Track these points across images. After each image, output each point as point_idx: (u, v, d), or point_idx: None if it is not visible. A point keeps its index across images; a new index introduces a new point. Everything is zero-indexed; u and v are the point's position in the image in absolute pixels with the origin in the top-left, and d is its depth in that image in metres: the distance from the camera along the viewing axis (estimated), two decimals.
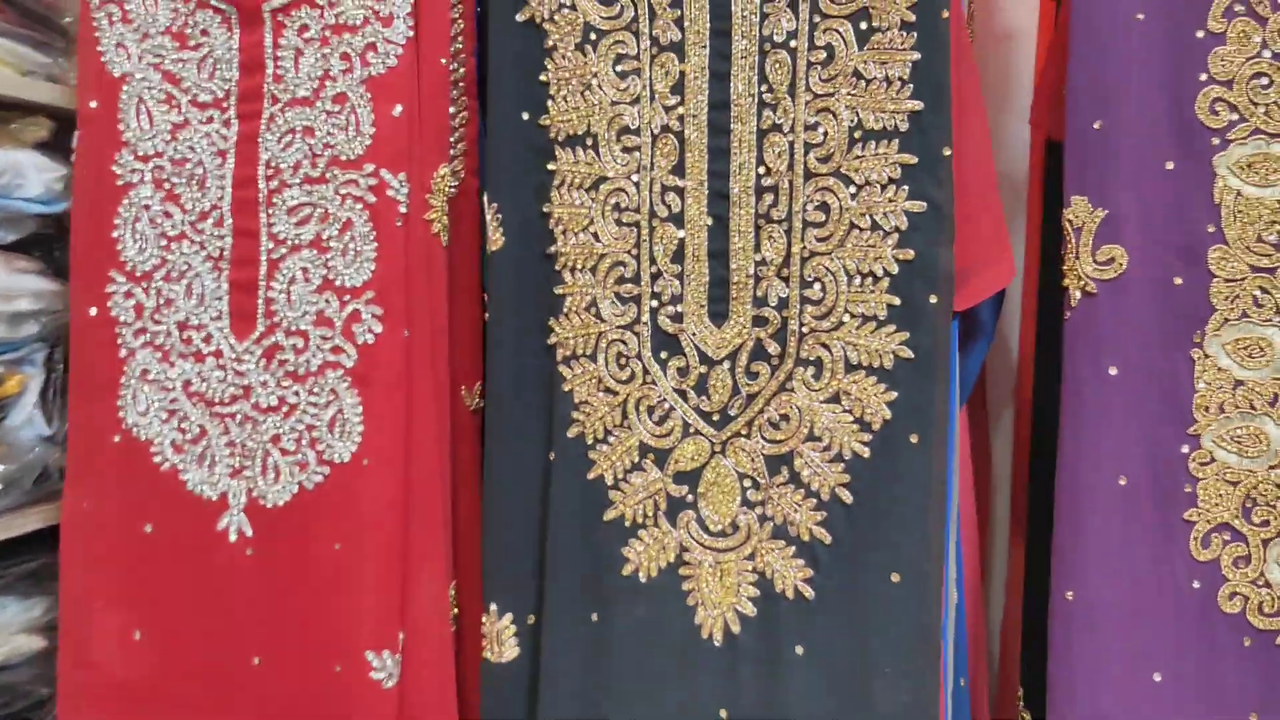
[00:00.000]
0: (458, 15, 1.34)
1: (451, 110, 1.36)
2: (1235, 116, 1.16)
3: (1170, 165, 1.13)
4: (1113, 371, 1.11)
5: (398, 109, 1.29)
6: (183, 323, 1.38)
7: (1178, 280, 1.13)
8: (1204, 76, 1.17)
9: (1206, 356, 1.16)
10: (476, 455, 1.42)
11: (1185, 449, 1.13)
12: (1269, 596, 1.14)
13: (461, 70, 1.35)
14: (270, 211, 1.36)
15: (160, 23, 1.35)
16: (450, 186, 1.33)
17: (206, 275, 1.38)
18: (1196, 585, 1.13)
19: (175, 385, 1.37)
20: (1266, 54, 1.12)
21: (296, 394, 1.35)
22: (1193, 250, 1.17)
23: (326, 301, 1.34)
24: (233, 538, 1.34)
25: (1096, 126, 1.13)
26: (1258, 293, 1.12)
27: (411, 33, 1.26)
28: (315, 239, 1.34)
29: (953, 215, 1.12)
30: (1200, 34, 1.16)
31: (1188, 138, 1.17)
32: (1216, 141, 1.17)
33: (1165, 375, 1.13)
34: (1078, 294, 1.14)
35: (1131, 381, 1.12)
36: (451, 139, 1.37)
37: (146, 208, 1.37)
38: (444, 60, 1.30)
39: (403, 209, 1.31)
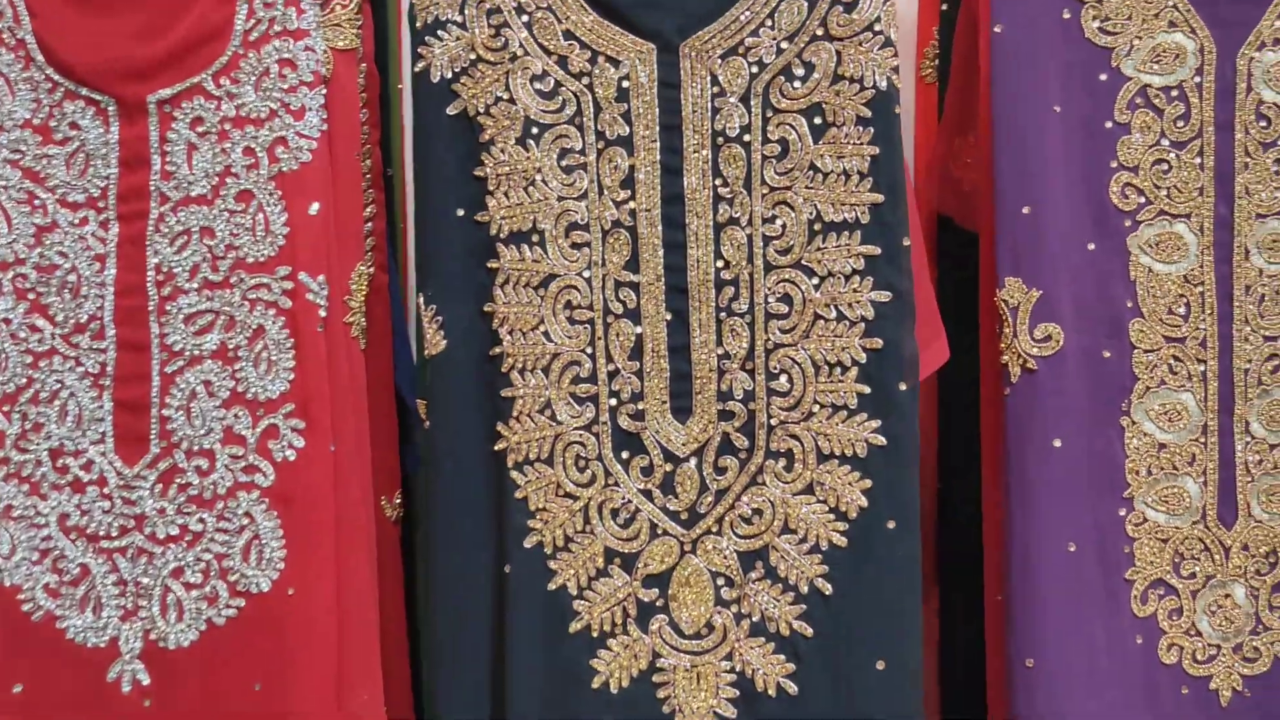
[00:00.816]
0: (364, 104, 1.25)
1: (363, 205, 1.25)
2: (1143, 199, 1.25)
3: (1092, 246, 1.20)
4: (1057, 444, 1.16)
5: (314, 207, 1.22)
6: (56, 449, 1.23)
7: (1106, 353, 1.20)
8: (1115, 163, 1.25)
9: (1134, 423, 1.23)
10: (399, 569, 1.31)
11: (1122, 511, 1.20)
12: (1200, 645, 1.23)
13: (369, 162, 1.26)
14: (163, 321, 1.24)
15: (18, 115, 1.22)
16: (365, 286, 1.23)
17: (84, 394, 1.24)
18: (1139, 640, 1.20)
19: (48, 521, 1.22)
20: (1165, 142, 1.21)
21: (202, 521, 1.22)
22: (1117, 324, 1.24)
23: (236, 417, 1.22)
24: (126, 688, 1.21)
25: (1025, 211, 1.18)
26: (1172, 361, 1.18)
27: (325, 125, 1.19)
28: (220, 349, 1.23)
29: (914, 302, 1.15)
30: (1109, 124, 1.25)
31: (1104, 220, 1.24)
32: (1129, 223, 1.25)
33: (1101, 443, 1.20)
34: (1018, 370, 1.18)
35: (1074, 452, 1.18)
36: (364, 234, 1.26)
37: (7, 321, 1.23)
38: (357, 154, 1.21)
39: (323, 313, 1.22)
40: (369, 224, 1.28)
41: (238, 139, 1.19)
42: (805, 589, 1.14)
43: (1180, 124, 1.21)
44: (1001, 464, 1.25)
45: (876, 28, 1.13)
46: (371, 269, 1.28)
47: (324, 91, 1.19)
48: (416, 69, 1.20)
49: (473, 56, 1.19)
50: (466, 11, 1.19)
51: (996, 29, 1.20)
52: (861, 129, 1.14)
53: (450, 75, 1.19)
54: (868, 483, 1.14)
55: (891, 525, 1.13)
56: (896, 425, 1.13)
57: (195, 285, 1.23)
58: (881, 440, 1.14)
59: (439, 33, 1.19)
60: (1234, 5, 1.20)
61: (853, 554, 1.14)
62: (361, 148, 1.26)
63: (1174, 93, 1.24)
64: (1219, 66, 1.19)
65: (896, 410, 1.14)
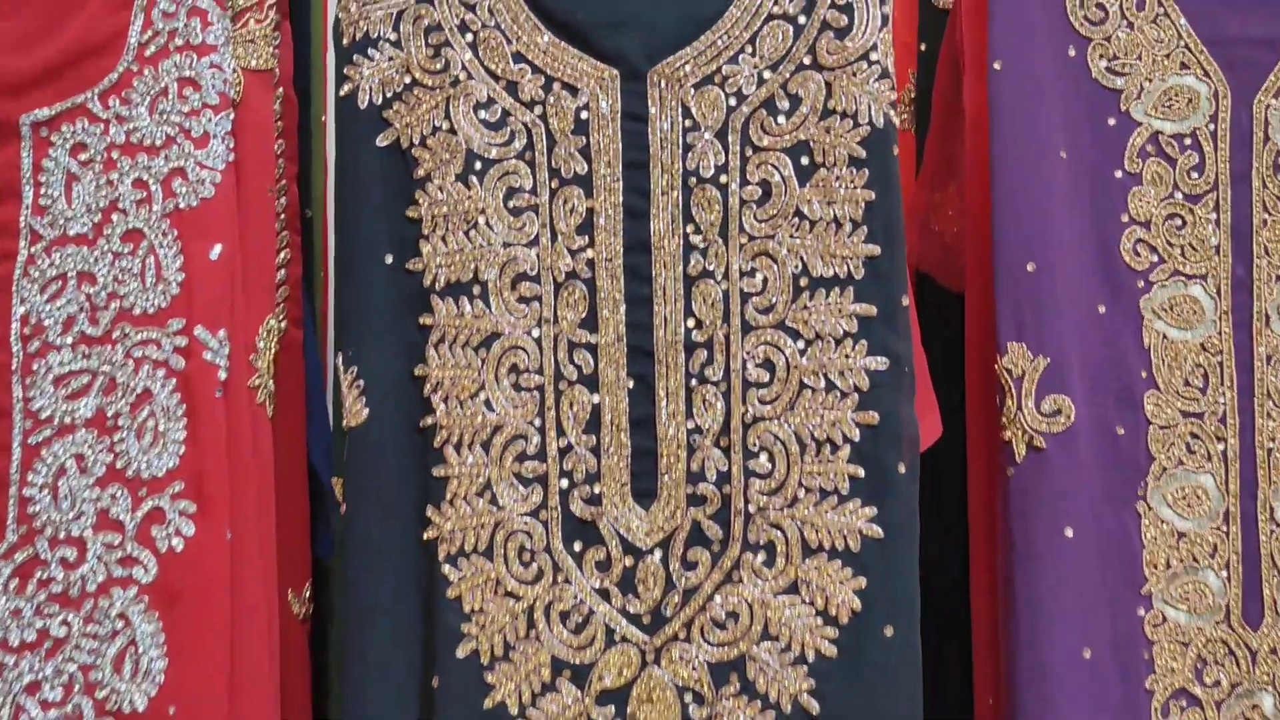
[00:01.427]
0: (279, 133, 1.08)
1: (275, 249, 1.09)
2: (1155, 258, 1.15)
3: (1102, 308, 1.10)
4: (1069, 533, 1.03)
5: (216, 250, 1.07)
6: None
7: (1119, 429, 1.09)
8: (1125, 217, 1.16)
9: (1150, 509, 1.14)
10: (306, 678, 1.12)
11: (1141, 610, 1.09)
12: None
13: (284, 200, 1.09)
14: (29, 382, 1.07)
15: None
16: (275, 343, 1.04)
17: None
18: None
19: None
20: (1178, 195, 1.12)
21: (65, 624, 1.05)
22: (1130, 397, 1.14)
23: (113, 498, 1.06)
24: None
25: (1030, 268, 1.06)
26: (1189, 439, 1.05)
27: (231, 156, 1.05)
28: (96, 416, 1.07)
29: (914, 372, 1.04)
30: (1119, 174, 1.15)
31: (1116, 280, 1.15)
32: (1141, 284, 1.15)
33: (1117, 532, 1.07)
34: (1023, 449, 1.05)
35: (1087, 542, 1.06)
36: (275, 282, 1.09)
37: None
38: (270, 189, 1.04)
39: (222, 375, 1.07)
40: (282, 271, 1.15)
41: (127, 169, 1.03)
42: (789, 707, 1.00)
43: (1194, 175, 1.12)
44: (1002, 556, 1.13)
45: (873, 57, 1.03)
46: (283, 323, 1.12)
47: (231, 116, 1.04)
48: (341, 92, 1.06)
49: (408, 80, 1.06)
50: (402, 28, 1.06)
51: (995, 66, 1.09)
52: (855, 171, 1.03)
53: (381, 101, 1.06)
54: (861, 581, 1.02)
55: (889, 632, 1.01)
56: (895, 513, 1.01)
57: (69, 340, 1.07)
58: (878, 531, 1.02)
59: (369, 51, 1.06)
60: (1249, 47, 1.11)
61: (844, 665, 1.01)
62: (275, 183, 1.11)
63: (1187, 141, 1.16)
64: (1234, 113, 1.11)
65: (895, 496, 1.02)
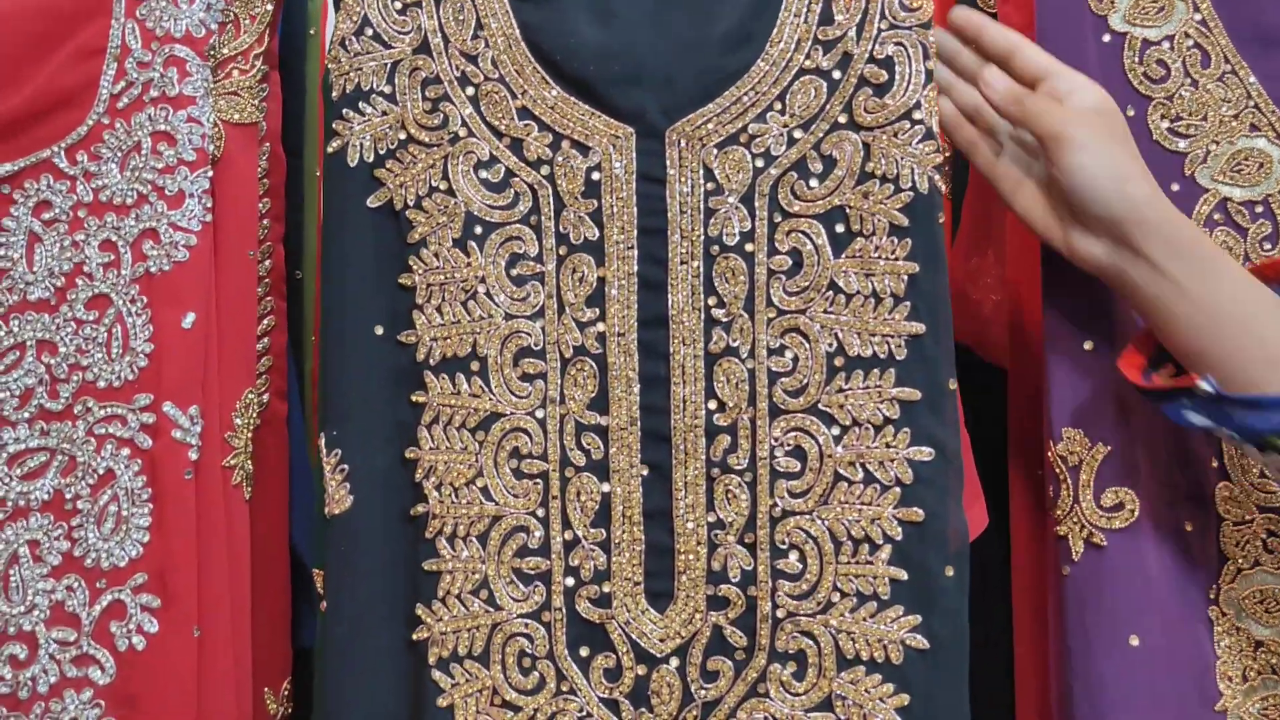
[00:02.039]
0: (264, 191, 0.98)
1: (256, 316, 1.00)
2: None
3: None
4: (1134, 642, 0.92)
5: (189, 318, 1.01)
6: None
7: (1188, 526, 0.93)
8: None
9: (1224, 615, 1.04)
10: None
11: None
12: None
13: (269, 262, 0.99)
14: None
15: None
16: (255, 418, 0.94)
17: None
18: None
19: None
20: (1247, 265, 0.98)
21: None
22: (1199, 490, 1.04)
23: (69, 590, 0.98)
24: None
25: (1088, 347, 0.93)
26: (1266, 537, 0.92)
27: (209, 216, 0.97)
28: (54, 499, 0.99)
29: (962, 464, 0.96)
30: None
31: None
32: None
33: (1187, 640, 0.95)
34: (1079, 546, 0.96)
35: (1155, 651, 0.91)
36: (256, 352, 1.00)
37: None
38: (251, 252, 0.94)
39: (193, 455, 1.00)
40: (264, 339, 1.04)
41: (94, 230, 0.95)
42: None
43: (1267, 246, 1.08)
44: (1056, 667, 1.04)
45: (916, 115, 0.96)
46: (265, 396, 1.03)
47: (210, 174, 0.95)
48: (330, 148, 0.99)
49: (402, 136, 0.99)
50: (397, 81, 0.99)
51: None
52: (896, 240, 0.96)
53: (373, 158, 0.99)
54: (904, 698, 0.93)
55: None
56: (942, 623, 0.93)
57: (26, 415, 1.00)
58: (923, 642, 0.94)
59: (360, 105, 0.99)
60: None
61: None
62: (259, 246, 0.99)
63: (1258, 208, 1.06)
64: None
65: (942, 602, 0.93)
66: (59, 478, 0.99)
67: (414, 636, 0.97)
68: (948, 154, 1.37)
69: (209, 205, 1.01)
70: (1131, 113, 1.08)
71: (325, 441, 0.99)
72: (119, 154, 1.00)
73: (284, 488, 1.12)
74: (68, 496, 0.99)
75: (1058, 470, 1.04)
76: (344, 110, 0.99)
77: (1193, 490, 1.04)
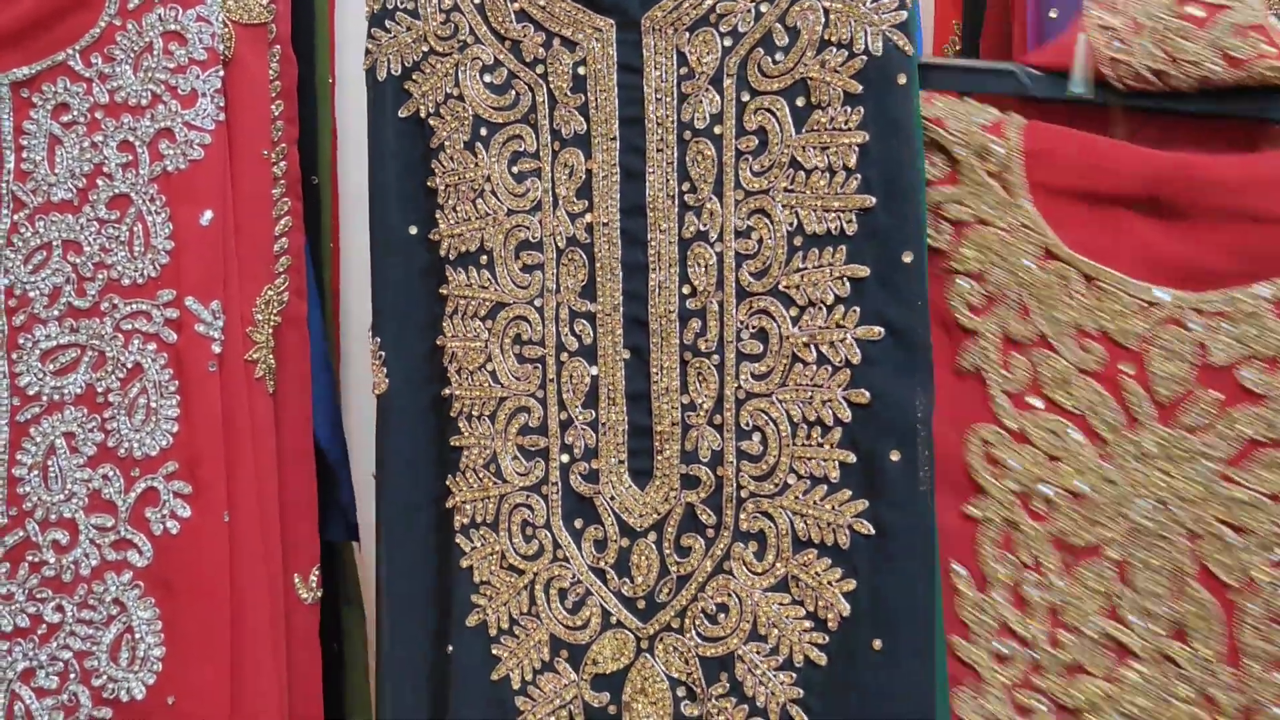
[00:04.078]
0: (276, 93, 0.98)
1: (273, 215, 1.01)
2: None
3: None
4: None
5: (206, 216, 1.05)
6: None
7: None
8: None
9: None
10: (316, 665, 1.07)
11: None
12: None
13: (284, 164, 1.02)
14: (15, 357, 1.05)
15: None
16: (275, 315, 0.96)
17: None
18: None
19: None
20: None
21: (60, 609, 1.03)
22: None
23: (105, 478, 1.04)
24: None
25: None
26: None
27: (222, 115, 1.00)
28: (86, 393, 1.05)
29: (923, 342, 0.96)
30: None
31: None
32: None
33: None
34: None
35: None
36: (274, 251, 1.01)
37: None
38: (265, 152, 0.96)
39: (216, 349, 1.05)
40: (283, 239, 1.08)
41: (112, 131, 0.99)
42: (776, 715, 0.97)
43: None
44: None
45: None
46: (285, 294, 1.08)
47: (221, 74, 0.97)
48: (365, 66, 1.09)
49: (424, 49, 1.05)
50: None
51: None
52: (849, 110, 0.95)
53: (399, 71, 1.06)
54: (851, 584, 0.96)
55: (877, 645, 0.95)
56: (887, 509, 0.95)
57: (56, 313, 1.05)
58: (868, 528, 0.95)
59: (386, 23, 1.06)
60: None
61: (831, 675, 0.96)
62: (273, 147, 1.02)
63: None
64: None
65: (888, 489, 0.95)
66: (90, 372, 1.05)
67: (447, 505, 1.09)
68: (957, 45, 1.36)
69: (222, 105, 1.06)
70: None
71: (370, 331, 1.10)
72: (131, 55, 1.04)
73: (306, 384, 1.20)
74: (99, 390, 1.06)
75: None
76: (373, 29, 1.08)
77: None
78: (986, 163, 0.98)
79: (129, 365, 1.04)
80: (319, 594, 1.19)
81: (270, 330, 1.10)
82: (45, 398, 1.05)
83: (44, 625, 1.03)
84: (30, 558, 1.04)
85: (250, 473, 1.06)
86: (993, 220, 0.98)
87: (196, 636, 1.02)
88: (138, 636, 1.02)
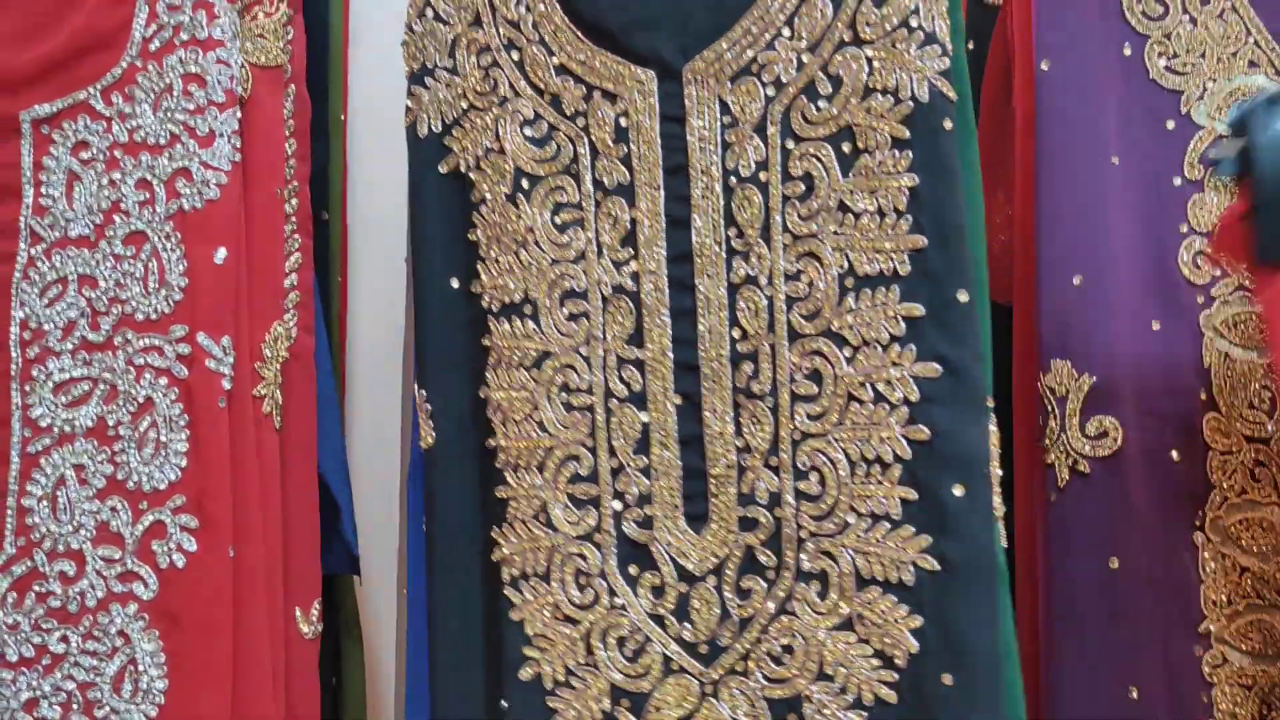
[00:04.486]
0: (290, 132, 1.02)
1: (284, 253, 1.09)
2: (1218, 271, 1.14)
3: (1157, 325, 1.05)
4: (1114, 564, 0.97)
5: (220, 254, 1.08)
6: None
7: (1174, 455, 0.97)
8: (1185, 227, 1.15)
9: (1209, 541, 1.14)
10: (315, 697, 1.11)
11: (1198, 650, 0.99)
12: None
13: (295, 201, 1.05)
14: (28, 389, 1.07)
15: None
16: (283, 351, 0.98)
17: None
18: None
19: None
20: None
21: (64, 640, 1.05)
22: (1188, 420, 1.13)
23: (113, 511, 1.06)
24: None
25: (1076, 282, 1.08)
26: (1255, 466, 0.95)
27: (238, 156, 1.04)
28: (97, 426, 1.06)
29: (980, 377, 0.98)
30: (1178, 181, 1.15)
31: (1172, 295, 1.14)
32: (1201, 299, 1.14)
33: (1171, 565, 1.03)
34: (1065, 473, 1.00)
35: (1135, 574, 0.98)
36: (284, 287, 1.08)
37: None
38: (279, 191, 1.00)
39: (226, 384, 1.08)
40: (292, 276, 1.12)
41: (130, 169, 1.03)
42: None
43: None
44: (1043, 588, 1.13)
45: (913, 22, 0.98)
46: (293, 330, 1.12)
47: (238, 114, 1.02)
48: (406, 123, 1.12)
49: (464, 105, 1.10)
50: (457, 55, 1.10)
51: (1043, 66, 1.06)
52: (898, 154, 0.98)
53: (440, 128, 1.11)
54: (918, 620, 0.97)
55: (948, 680, 0.95)
56: (954, 545, 0.96)
57: (70, 346, 1.07)
58: (933, 564, 0.97)
59: (426, 81, 1.10)
60: None
61: (903, 714, 0.97)
62: (286, 185, 1.04)
63: None
64: None
65: (951, 523, 0.96)
66: (101, 405, 1.08)
67: (494, 557, 1.10)
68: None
69: (238, 145, 1.09)
70: (1128, 51, 1.13)
71: (416, 384, 1.12)
72: (152, 95, 1.08)
73: (312, 419, 1.23)
74: (110, 423, 1.09)
75: (1046, 400, 1.09)
76: (413, 87, 1.11)
77: (1181, 421, 1.09)
78: None
79: (140, 399, 1.06)
80: (319, 628, 1.21)
81: (278, 366, 1.12)
82: (57, 430, 1.06)
83: (49, 655, 1.05)
84: (37, 588, 1.05)
85: (256, 508, 1.09)
86: None
87: (199, 669, 1.04)
88: (141, 668, 1.04)
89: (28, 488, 1.06)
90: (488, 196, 1.07)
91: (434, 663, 1.09)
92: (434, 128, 1.09)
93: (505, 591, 1.07)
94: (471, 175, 1.08)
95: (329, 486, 1.23)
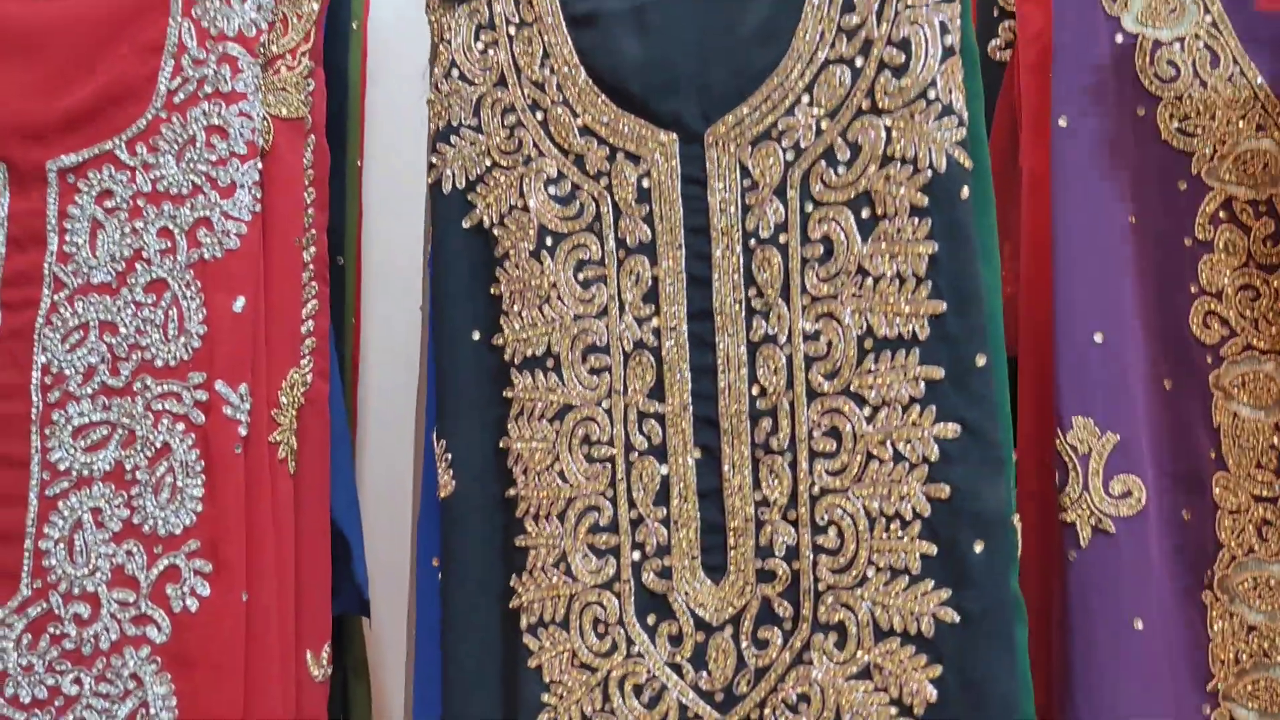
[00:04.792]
0: (309, 181, 1.04)
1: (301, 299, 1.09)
2: (1227, 331, 1.16)
3: (1168, 384, 1.05)
4: (1139, 625, 0.97)
5: (239, 302, 1.11)
6: None
7: (1186, 514, 0.99)
8: (1195, 287, 1.16)
9: (1218, 600, 1.14)
10: None
11: (1206, 709, 1.05)
12: None
13: (313, 249, 1.06)
14: (48, 432, 1.08)
15: None
16: (299, 397, 0.99)
17: None
18: None
19: None
20: (1252, 265, 1.19)
21: (77, 682, 1.06)
22: (1198, 478, 1.14)
23: (128, 554, 1.07)
24: None
25: (1098, 339, 1.04)
26: (1262, 525, 0.97)
27: (258, 206, 1.05)
28: (115, 470, 1.08)
29: (1000, 440, 1.00)
30: (1189, 241, 1.16)
31: (1184, 354, 1.15)
32: (1210, 359, 1.15)
33: (1183, 624, 1.06)
34: (1088, 532, 1.00)
35: (1155, 634, 1.03)
36: (300, 333, 1.10)
37: None
38: (297, 240, 1.02)
39: (242, 431, 1.10)
40: (308, 322, 1.13)
41: (153, 218, 1.05)
42: None
43: (1269, 244, 1.21)
44: (1059, 647, 1.12)
45: (931, 94, 1.01)
46: (308, 376, 1.12)
47: (259, 166, 1.04)
48: (430, 180, 1.16)
49: (488, 163, 1.14)
50: (482, 114, 1.14)
51: (1061, 123, 1.09)
52: (917, 221, 1.00)
53: (464, 184, 1.14)
54: (937, 669, 0.98)
55: None
56: (973, 597, 0.98)
57: (89, 391, 1.09)
58: (953, 615, 0.98)
59: (451, 139, 1.15)
60: None
61: None
62: (304, 233, 1.04)
63: (1262, 208, 1.15)
64: None
65: (971, 577, 0.98)
66: (119, 450, 1.09)
67: (511, 605, 1.13)
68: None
69: (258, 196, 1.11)
70: (1142, 112, 1.14)
71: (435, 434, 1.15)
72: (175, 146, 1.09)
73: (326, 463, 1.24)
74: (127, 467, 1.10)
75: (1066, 458, 1.10)
76: (438, 145, 1.15)
77: (1192, 480, 1.09)
78: None
79: (158, 444, 1.08)
80: (329, 670, 1.22)
81: (294, 412, 1.15)
82: (75, 473, 1.08)
83: (61, 697, 1.06)
84: (52, 630, 1.07)
85: (270, 553, 1.11)
86: None
87: (210, 713, 1.06)
88: (152, 712, 1.05)
89: (45, 530, 1.07)
90: (511, 252, 1.12)
91: (449, 708, 1.11)
92: (458, 184, 1.13)
93: (523, 639, 1.09)
94: (495, 230, 1.12)
95: (340, 528, 1.27)
